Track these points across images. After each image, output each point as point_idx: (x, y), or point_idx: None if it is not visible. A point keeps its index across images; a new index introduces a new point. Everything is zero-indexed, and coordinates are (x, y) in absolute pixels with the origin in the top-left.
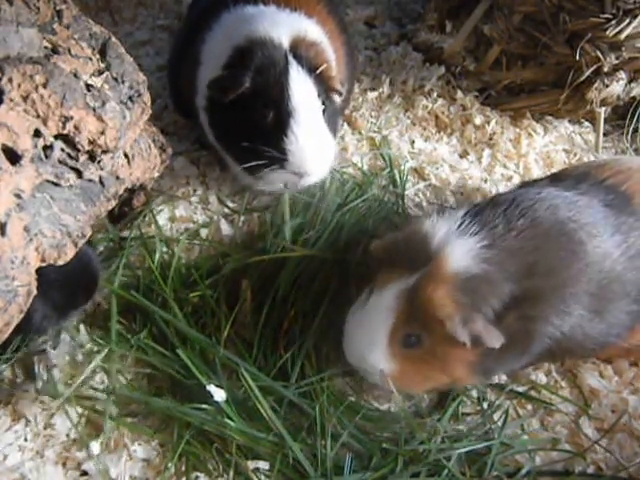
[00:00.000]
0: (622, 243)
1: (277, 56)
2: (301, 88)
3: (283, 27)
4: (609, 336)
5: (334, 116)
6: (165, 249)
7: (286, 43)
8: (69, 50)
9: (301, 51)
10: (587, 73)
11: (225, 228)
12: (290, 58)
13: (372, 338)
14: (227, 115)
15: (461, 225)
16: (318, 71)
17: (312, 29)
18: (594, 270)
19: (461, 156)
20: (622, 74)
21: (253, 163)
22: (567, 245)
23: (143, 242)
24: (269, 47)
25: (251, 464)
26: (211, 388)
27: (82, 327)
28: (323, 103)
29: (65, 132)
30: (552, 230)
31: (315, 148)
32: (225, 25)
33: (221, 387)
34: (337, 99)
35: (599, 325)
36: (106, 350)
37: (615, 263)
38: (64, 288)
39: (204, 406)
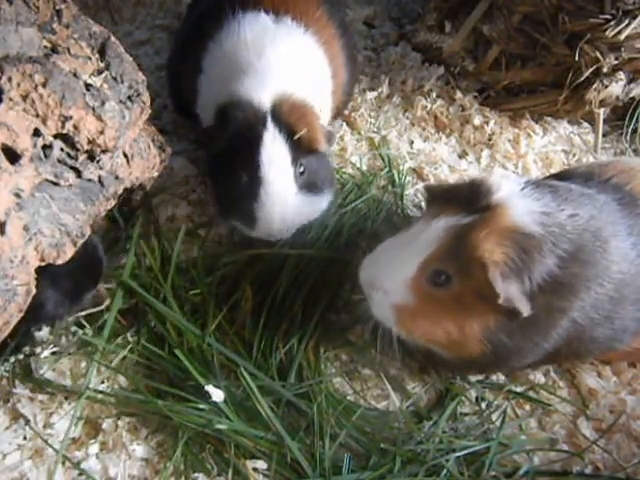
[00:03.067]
0: (636, 245)
1: (254, 119)
2: (273, 157)
3: (266, 85)
4: (614, 341)
5: (321, 170)
6: (164, 248)
7: (267, 104)
8: (68, 49)
9: (282, 115)
10: (586, 74)
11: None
12: (268, 123)
13: (401, 261)
14: (217, 159)
15: (524, 188)
16: (296, 137)
17: (298, 91)
18: (614, 269)
19: (460, 156)
20: (621, 75)
21: (231, 221)
22: (596, 242)
23: (143, 241)
24: (248, 109)
25: (249, 464)
26: (209, 388)
27: (81, 327)
28: (301, 166)
29: (64, 131)
30: (588, 225)
31: (282, 218)
32: (225, 44)
33: (219, 387)
34: (326, 147)
35: (607, 331)
36: (105, 350)
37: (631, 265)
38: (73, 274)
39: (202, 406)
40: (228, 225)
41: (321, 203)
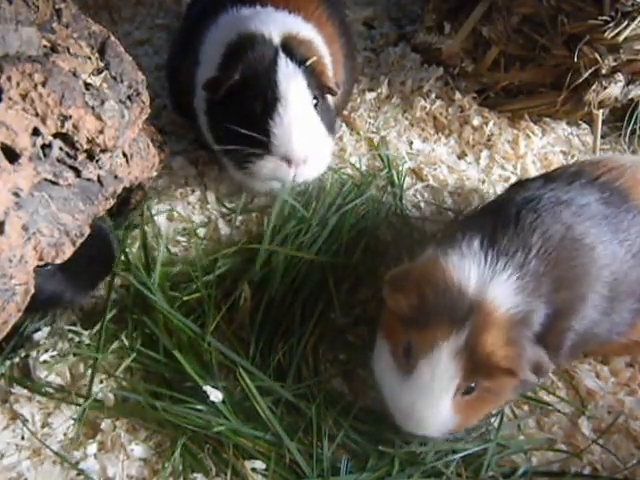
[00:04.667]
0: (625, 241)
1: (267, 50)
2: (289, 78)
3: (275, 25)
4: (612, 334)
5: (328, 113)
6: (163, 248)
7: (277, 39)
8: (68, 49)
9: (292, 47)
10: (585, 75)
11: (223, 228)
12: (280, 52)
13: (438, 406)
14: (222, 113)
15: (486, 262)
16: (308, 63)
17: (305, 29)
18: (606, 273)
19: (459, 157)
20: (620, 76)
21: (238, 147)
22: (580, 252)
23: (142, 241)
24: (259, 42)
25: (248, 464)
26: (207, 388)
27: (79, 327)
28: (315, 97)
29: (64, 131)
30: (565, 241)
31: (302, 132)
32: (222, 25)
33: (217, 388)
34: (331, 100)
35: (606, 325)
36: (103, 350)
37: (622, 263)
38: (88, 261)
39: (200, 407)
40: (239, 177)
41: (329, 147)
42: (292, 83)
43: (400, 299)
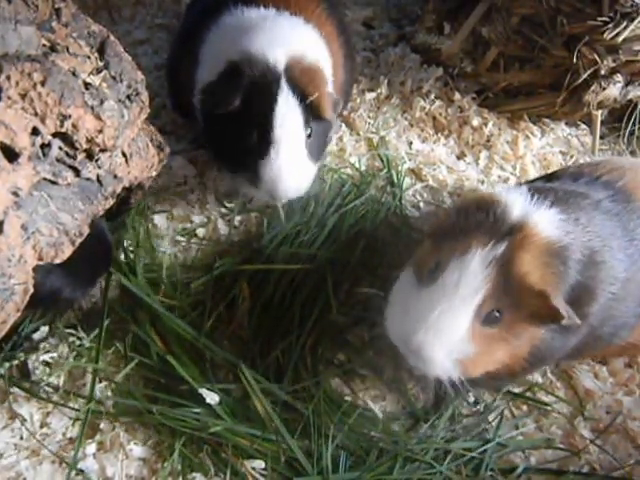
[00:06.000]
0: (633, 240)
1: (269, 79)
2: (287, 118)
3: (281, 44)
4: (613, 337)
5: (319, 138)
6: (162, 248)
7: (282, 65)
8: (67, 48)
9: (295, 78)
10: (584, 76)
11: (222, 228)
12: (282, 83)
13: (453, 317)
14: (218, 122)
15: (533, 197)
16: (308, 101)
17: (310, 46)
18: (620, 270)
19: (458, 157)
20: (619, 77)
21: (236, 175)
22: (602, 241)
23: (140, 241)
24: (263, 69)
25: (247, 463)
26: (203, 391)
27: (79, 327)
28: (309, 128)
29: (63, 130)
30: (592, 224)
31: (287, 178)
32: (224, 28)
33: (213, 390)
34: (331, 113)
35: (609, 329)
36: (102, 351)
37: (632, 262)
38: (86, 259)
39: (197, 410)
40: (233, 181)
41: (314, 172)
42: (288, 124)
43: (443, 214)
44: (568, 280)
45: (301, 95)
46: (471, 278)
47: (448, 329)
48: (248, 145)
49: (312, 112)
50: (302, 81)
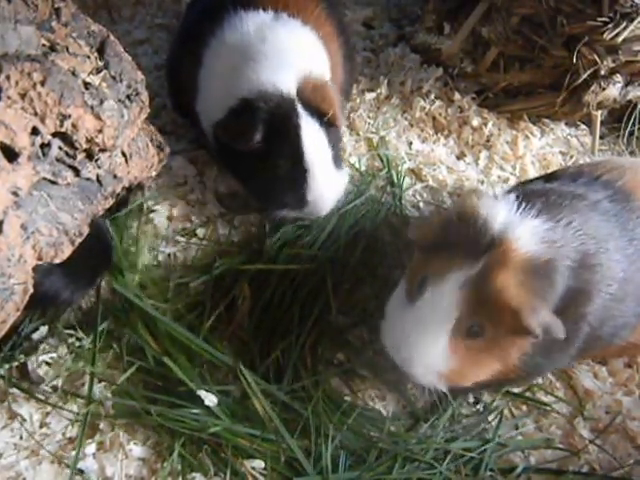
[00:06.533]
0: (633, 240)
1: (286, 108)
2: (314, 143)
3: (288, 68)
4: (614, 337)
5: (338, 148)
6: (162, 248)
7: (293, 90)
8: (67, 48)
9: (308, 97)
10: (584, 76)
11: (222, 228)
12: (299, 109)
13: (432, 333)
14: (237, 155)
15: (519, 206)
16: (326, 118)
17: (313, 54)
18: (617, 270)
19: (458, 157)
20: (619, 77)
21: (273, 208)
22: (597, 243)
23: (140, 240)
24: (278, 99)
25: (247, 463)
26: (201, 393)
27: (78, 328)
28: (331, 143)
29: (63, 130)
30: (587, 226)
31: (330, 194)
32: (227, 49)
33: (211, 391)
34: (342, 122)
35: (610, 329)
36: (101, 353)
37: (630, 263)
38: (86, 259)
39: (196, 410)
40: (275, 215)
41: (345, 176)
42: (316, 148)
43: (426, 227)
44: (554, 292)
45: (317, 114)
46: (446, 297)
47: (427, 346)
48: (278, 176)
49: (330, 125)
50: (315, 100)
